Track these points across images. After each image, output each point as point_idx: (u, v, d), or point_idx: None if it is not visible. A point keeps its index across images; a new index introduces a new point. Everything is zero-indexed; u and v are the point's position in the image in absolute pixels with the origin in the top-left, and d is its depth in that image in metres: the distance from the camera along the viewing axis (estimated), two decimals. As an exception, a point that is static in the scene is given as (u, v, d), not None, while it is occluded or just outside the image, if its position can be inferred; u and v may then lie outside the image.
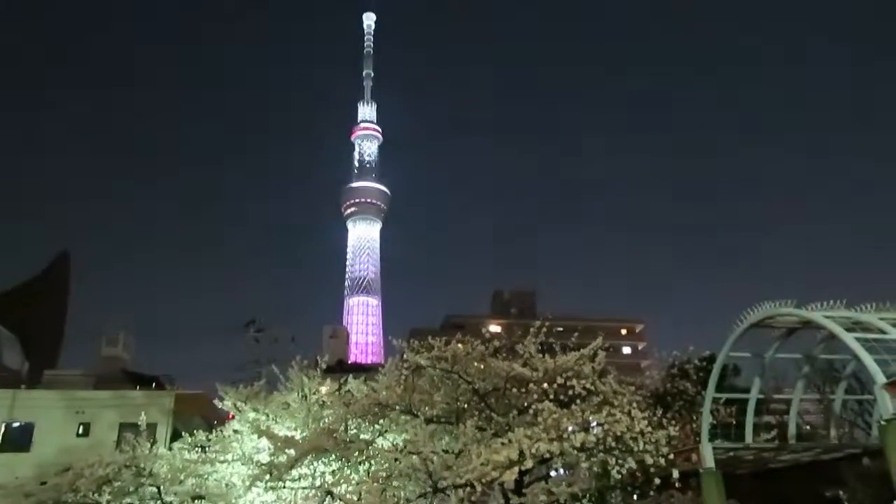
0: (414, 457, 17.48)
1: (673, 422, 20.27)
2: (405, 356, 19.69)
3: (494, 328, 77.72)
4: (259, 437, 23.14)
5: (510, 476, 15.82)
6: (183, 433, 27.34)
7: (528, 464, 15.97)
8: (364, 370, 41.57)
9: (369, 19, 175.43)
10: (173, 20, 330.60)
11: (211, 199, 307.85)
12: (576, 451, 16.44)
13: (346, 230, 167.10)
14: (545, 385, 18.16)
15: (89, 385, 39.31)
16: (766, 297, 19.50)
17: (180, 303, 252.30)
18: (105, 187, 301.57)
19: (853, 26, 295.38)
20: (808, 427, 25.53)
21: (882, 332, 17.13)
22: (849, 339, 16.83)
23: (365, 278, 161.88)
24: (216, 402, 26.67)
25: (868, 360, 16.13)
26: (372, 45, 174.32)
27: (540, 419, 16.73)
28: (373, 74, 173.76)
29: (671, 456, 18.15)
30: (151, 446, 25.33)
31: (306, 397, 24.49)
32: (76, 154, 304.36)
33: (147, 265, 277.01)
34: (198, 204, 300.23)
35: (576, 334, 22.58)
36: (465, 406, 19.27)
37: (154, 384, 39.29)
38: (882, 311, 18.79)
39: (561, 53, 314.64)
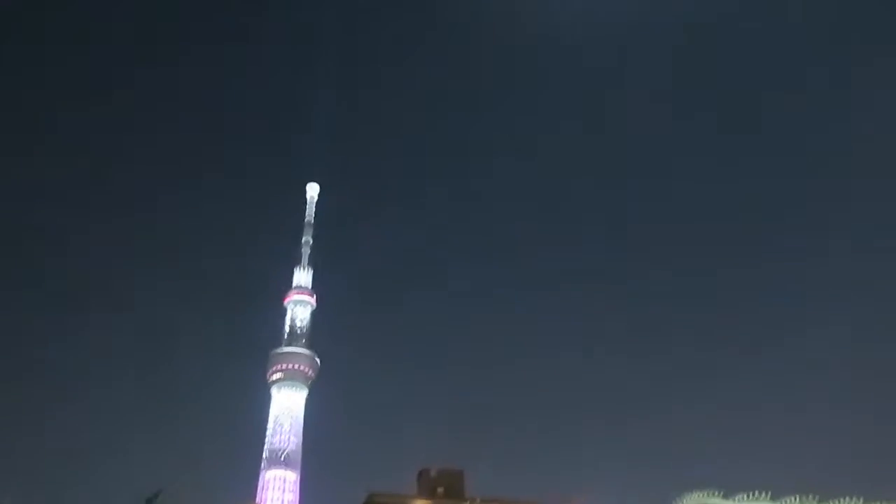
0: None
1: None
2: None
3: (419, 510, 73.60)
4: None
5: None
6: None
7: None
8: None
9: (312, 190, 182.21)
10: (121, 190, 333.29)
11: (116, 355, 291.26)
12: None
13: (270, 397, 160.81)
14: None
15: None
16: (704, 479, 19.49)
17: (82, 472, 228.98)
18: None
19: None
20: None
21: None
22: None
23: (285, 450, 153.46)
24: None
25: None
26: (313, 214, 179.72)
27: None
28: (311, 242, 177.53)
29: None
30: None
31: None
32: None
33: (51, 427, 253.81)
34: (106, 363, 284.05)
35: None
36: None
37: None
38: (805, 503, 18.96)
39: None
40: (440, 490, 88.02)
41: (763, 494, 19.40)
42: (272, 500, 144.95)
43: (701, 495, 19.63)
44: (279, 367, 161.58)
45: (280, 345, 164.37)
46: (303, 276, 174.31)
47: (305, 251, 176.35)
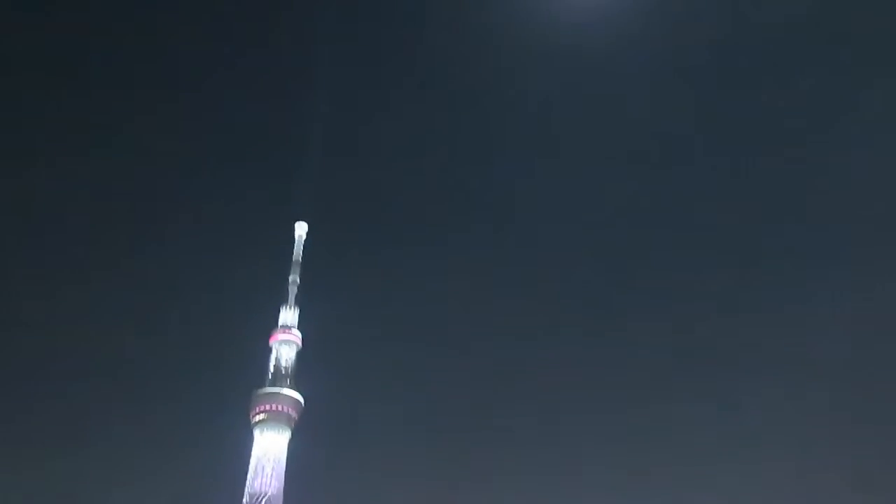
0: None
1: None
2: None
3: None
4: None
5: None
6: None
7: None
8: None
9: (301, 229, 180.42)
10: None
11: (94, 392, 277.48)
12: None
13: (252, 439, 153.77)
14: None
15: None
16: None
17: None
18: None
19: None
20: None
21: None
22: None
23: (266, 495, 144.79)
24: None
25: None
26: (301, 252, 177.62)
27: None
28: (299, 281, 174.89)
29: None
30: None
31: None
32: None
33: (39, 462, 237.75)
34: (86, 399, 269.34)
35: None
36: None
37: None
38: None
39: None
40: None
41: None
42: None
43: None
44: (262, 407, 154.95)
45: (264, 385, 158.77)
46: (289, 316, 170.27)
47: (292, 290, 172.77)
